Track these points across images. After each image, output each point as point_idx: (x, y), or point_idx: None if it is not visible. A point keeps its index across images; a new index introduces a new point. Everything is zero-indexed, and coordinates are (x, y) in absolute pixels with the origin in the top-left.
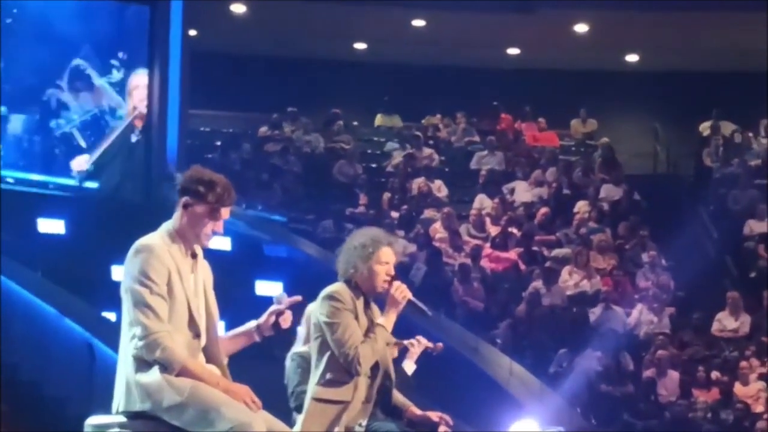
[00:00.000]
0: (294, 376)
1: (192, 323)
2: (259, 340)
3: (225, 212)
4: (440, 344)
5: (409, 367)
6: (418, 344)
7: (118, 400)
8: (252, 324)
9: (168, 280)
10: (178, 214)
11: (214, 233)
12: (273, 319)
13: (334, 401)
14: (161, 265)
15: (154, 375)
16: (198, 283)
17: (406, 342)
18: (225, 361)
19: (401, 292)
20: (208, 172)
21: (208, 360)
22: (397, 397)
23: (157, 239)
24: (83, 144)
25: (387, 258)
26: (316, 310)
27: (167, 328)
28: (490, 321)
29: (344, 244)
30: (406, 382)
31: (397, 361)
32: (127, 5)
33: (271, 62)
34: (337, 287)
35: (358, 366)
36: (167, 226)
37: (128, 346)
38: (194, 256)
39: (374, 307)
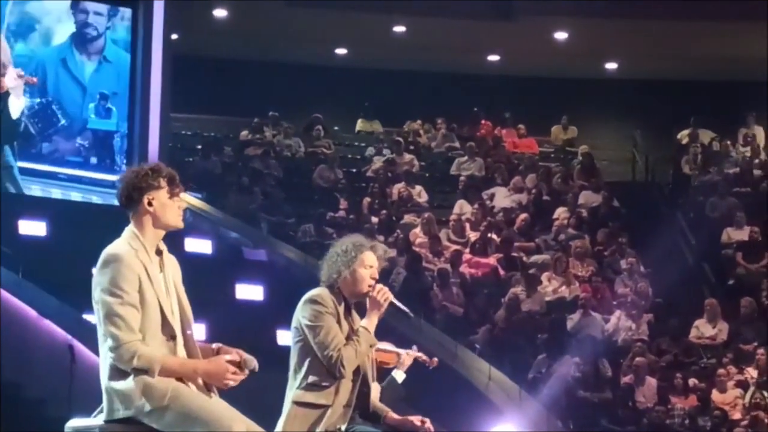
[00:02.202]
0: None
1: (165, 325)
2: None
3: (180, 186)
4: (435, 359)
5: (399, 375)
6: (407, 356)
7: (104, 410)
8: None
9: (139, 287)
10: (141, 214)
11: (183, 210)
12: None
13: (315, 405)
14: (131, 273)
15: (131, 383)
16: (168, 281)
17: (402, 352)
18: (200, 355)
19: (383, 294)
20: (141, 167)
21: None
22: (374, 401)
23: (124, 246)
24: None
25: (370, 261)
26: (297, 314)
27: (138, 336)
28: (470, 326)
29: (327, 252)
30: (396, 391)
31: (388, 370)
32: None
33: (253, 67)
34: (320, 291)
35: (342, 369)
36: (131, 230)
37: (106, 356)
38: (159, 253)
39: (354, 314)
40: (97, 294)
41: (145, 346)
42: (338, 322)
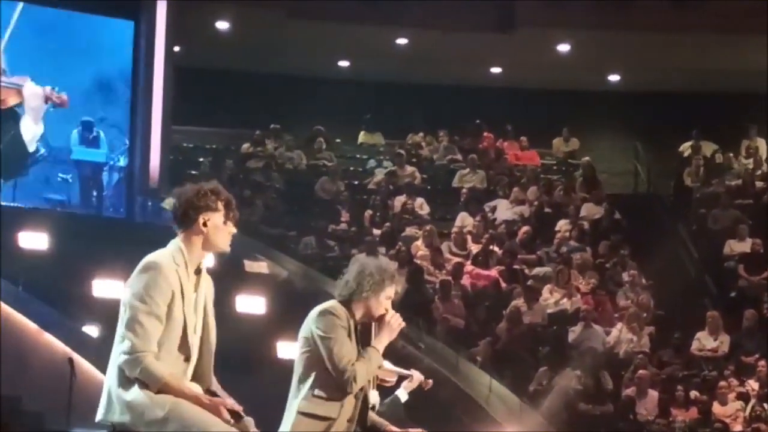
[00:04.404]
0: None
1: (184, 345)
2: None
3: (235, 212)
4: (430, 381)
5: (403, 395)
6: (417, 379)
7: (100, 409)
8: None
9: (170, 301)
10: (193, 233)
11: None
12: None
13: (321, 417)
14: (166, 285)
15: (135, 390)
16: (199, 300)
17: (407, 372)
18: (213, 380)
19: (396, 320)
20: (202, 185)
21: (196, 378)
22: (372, 416)
23: (167, 257)
24: None
25: (390, 294)
26: (309, 324)
27: (153, 349)
28: (471, 338)
29: (355, 265)
30: (398, 410)
31: (392, 389)
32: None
33: (255, 79)
34: (334, 304)
35: (353, 383)
36: (178, 245)
37: (117, 358)
38: (198, 272)
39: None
40: (127, 296)
41: (155, 361)
42: (349, 335)
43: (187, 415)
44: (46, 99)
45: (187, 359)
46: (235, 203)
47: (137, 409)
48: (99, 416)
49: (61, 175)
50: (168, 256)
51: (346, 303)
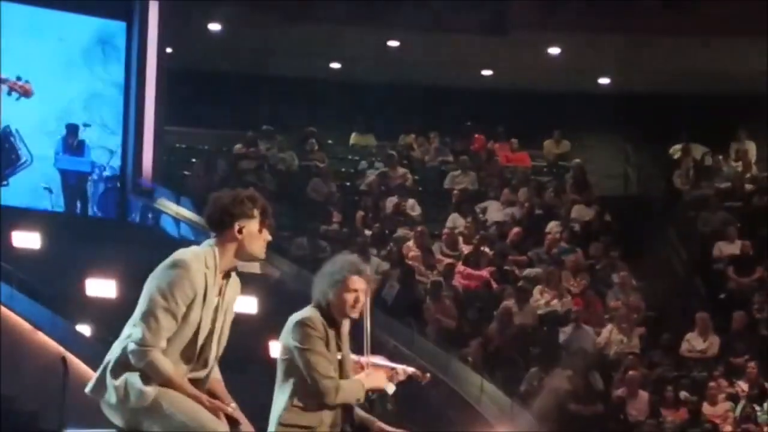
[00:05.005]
0: None
1: (190, 348)
2: None
3: (271, 219)
4: (428, 374)
5: (389, 387)
6: (403, 372)
7: (92, 382)
8: None
9: (191, 303)
10: (228, 239)
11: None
12: None
13: (302, 427)
14: (190, 286)
15: (124, 377)
16: (221, 306)
17: (396, 366)
18: (220, 384)
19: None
20: (240, 191)
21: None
22: (359, 413)
23: (198, 258)
24: None
25: (355, 285)
26: (286, 333)
27: (162, 345)
28: (462, 339)
29: (319, 270)
30: (385, 403)
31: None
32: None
33: (247, 80)
34: (309, 314)
35: (332, 394)
36: (212, 249)
37: (124, 340)
38: (227, 276)
39: (344, 334)
40: (151, 287)
41: (162, 357)
42: (327, 345)
43: (174, 402)
44: (10, 89)
45: (189, 362)
46: (271, 211)
47: (122, 394)
48: (89, 388)
49: (43, 185)
50: (200, 256)
51: (322, 308)
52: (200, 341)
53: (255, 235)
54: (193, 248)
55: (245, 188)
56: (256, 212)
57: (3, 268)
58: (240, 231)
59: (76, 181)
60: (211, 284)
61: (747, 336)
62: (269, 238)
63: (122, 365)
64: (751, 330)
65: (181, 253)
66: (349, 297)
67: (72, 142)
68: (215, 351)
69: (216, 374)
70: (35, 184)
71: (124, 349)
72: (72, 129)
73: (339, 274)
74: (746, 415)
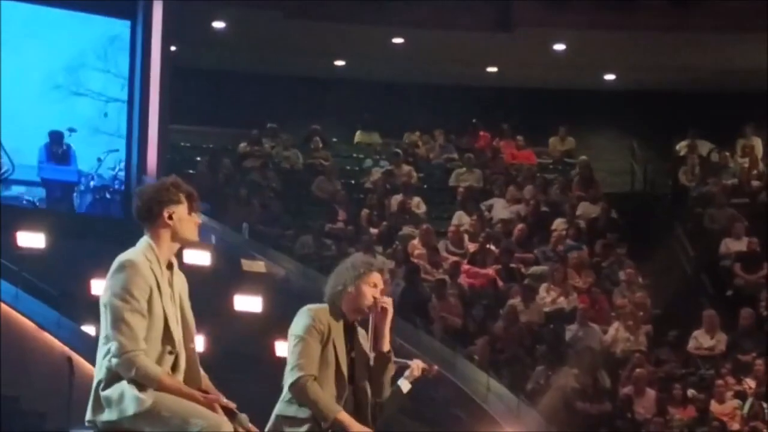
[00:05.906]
0: None
1: (167, 338)
2: None
3: (198, 202)
4: (435, 367)
5: (405, 386)
6: (417, 368)
7: (89, 409)
8: None
9: (149, 297)
10: (159, 227)
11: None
12: None
13: (297, 419)
14: (144, 282)
15: (118, 386)
16: (174, 294)
17: (410, 363)
18: (201, 372)
19: (388, 303)
20: (162, 180)
21: (188, 379)
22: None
23: (140, 255)
24: None
25: (375, 281)
26: (292, 324)
27: (142, 346)
28: (468, 337)
29: (335, 267)
30: (400, 400)
31: (394, 378)
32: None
33: (251, 78)
34: (318, 307)
35: (302, 392)
36: (147, 242)
37: (103, 358)
38: (170, 267)
39: (360, 333)
40: (106, 297)
41: (147, 359)
42: (326, 342)
43: (172, 404)
44: None
45: (172, 352)
46: (196, 195)
47: (121, 404)
48: (89, 416)
49: (27, 198)
50: (140, 253)
51: (333, 304)
52: (174, 330)
53: (185, 218)
54: (131, 249)
55: (250, 187)
56: (182, 197)
57: (8, 268)
58: (170, 217)
59: (60, 192)
60: (159, 275)
61: (754, 333)
62: (199, 220)
63: (113, 380)
64: (759, 327)
65: (122, 256)
66: (369, 291)
67: (57, 151)
68: (181, 339)
69: (197, 366)
70: (19, 197)
71: (109, 368)
72: (56, 136)
73: (362, 267)
74: (754, 412)
